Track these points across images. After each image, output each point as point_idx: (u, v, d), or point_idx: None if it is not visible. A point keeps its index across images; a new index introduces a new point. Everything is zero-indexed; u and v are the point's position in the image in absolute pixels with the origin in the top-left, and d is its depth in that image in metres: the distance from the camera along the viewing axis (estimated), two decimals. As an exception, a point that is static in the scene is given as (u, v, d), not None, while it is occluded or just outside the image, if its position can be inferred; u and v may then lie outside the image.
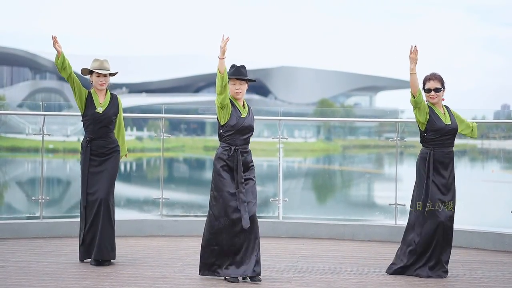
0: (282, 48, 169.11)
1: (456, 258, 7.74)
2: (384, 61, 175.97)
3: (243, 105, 6.72)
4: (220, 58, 6.51)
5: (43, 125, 8.96)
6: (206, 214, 6.61)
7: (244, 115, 6.63)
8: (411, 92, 6.81)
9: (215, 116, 6.69)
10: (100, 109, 7.16)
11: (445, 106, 7.05)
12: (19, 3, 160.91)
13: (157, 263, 7.21)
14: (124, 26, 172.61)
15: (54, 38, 6.95)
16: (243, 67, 6.71)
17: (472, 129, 7.12)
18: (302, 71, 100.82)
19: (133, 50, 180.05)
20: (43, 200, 8.91)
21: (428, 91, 6.91)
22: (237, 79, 6.64)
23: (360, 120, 45.23)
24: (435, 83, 6.90)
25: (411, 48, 6.75)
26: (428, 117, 6.82)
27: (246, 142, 6.66)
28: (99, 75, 7.20)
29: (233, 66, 6.72)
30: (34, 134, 9.53)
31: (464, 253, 8.13)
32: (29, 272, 6.64)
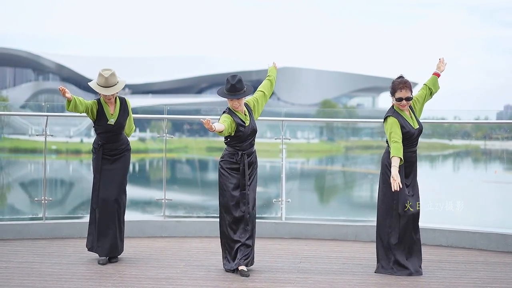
0: (284, 49, 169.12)
1: (459, 259, 7.74)
2: (387, 62, 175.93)
3: (244, 112, 6.87)
4: (213, 131, 6.50)
5: (46, 126, 8.96)
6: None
7: (247, 123, 6.83)
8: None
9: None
10: (112, 121, 7.24)
11: None
12: (22, 4, 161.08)
13: (160, 264, 7.21)
14: (127, 27, 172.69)
15: (62, 90, 6.81)
16: (238, 81, 6.71)
17: (431, 91, 7.17)
18: (304, 72, 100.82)
19: (135, 51, 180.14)
20: (46, 201, 8.92)
21: (399, 100, 6.89)
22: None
23: (363, 121, 44.70)
24: (406, 93, 6.89)
25: (393, 184, 6.60)
26: (402, 131, 6.86)
27: (252, 144, 6.94)
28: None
29: (228, 82, 6.75)
30: (37, 135, 9.52)
31: (467, 253, 8.12)
32: (32, 273, 6.65)
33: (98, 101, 7.25)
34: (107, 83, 7.09)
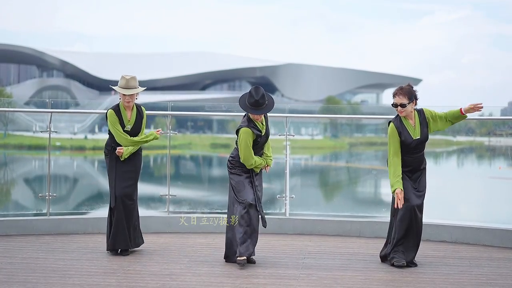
0: (288, 45, 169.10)
1: (464, 254, 7.73)
2: (391, 58, 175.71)
3: (261, 121, 7.10)
4: None
5: (50, 123, 8.96)
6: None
7: (263, 131, 7.09)
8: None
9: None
10: (129, 127, 7.52)
11: (419, 111, 7.05)
12: (26, 1, 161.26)
13: (163, 259, 7.21)
14: (131, 24, 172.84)
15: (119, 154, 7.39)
16: (262, 97, 6.89)
17: (451, 122, 7.15)
18: (308, 68, 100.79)
19: (139, 48, 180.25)
20: (50, 197, 8.93)
21: (395, 106, 6.99)
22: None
23: (367, 117, 44.70)
24: (400, 99, 6.93)
25: (396, 202, 6.83)
26: (400, 139, 6.94)
27: (263, 148, 7.22)
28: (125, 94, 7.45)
29: (251, 95, 6.90)
30: (41, 132, 9.53)
31: (472, 249, 8.11)
32: (36, 268, 6.66)
33: (117, 110, 7.47)
34: (128, 85, 7.41)
